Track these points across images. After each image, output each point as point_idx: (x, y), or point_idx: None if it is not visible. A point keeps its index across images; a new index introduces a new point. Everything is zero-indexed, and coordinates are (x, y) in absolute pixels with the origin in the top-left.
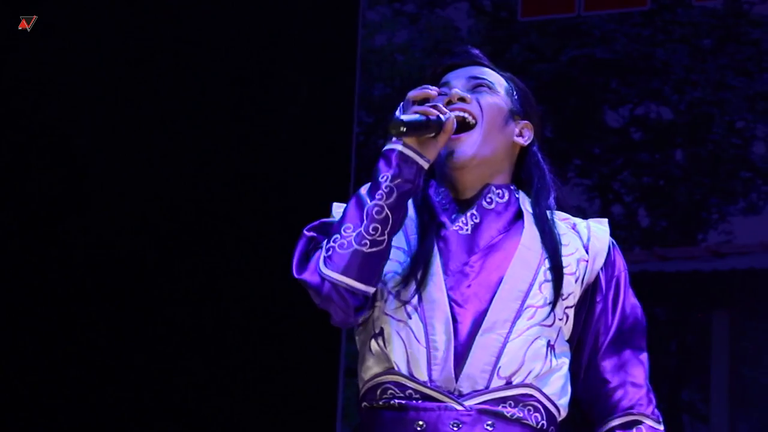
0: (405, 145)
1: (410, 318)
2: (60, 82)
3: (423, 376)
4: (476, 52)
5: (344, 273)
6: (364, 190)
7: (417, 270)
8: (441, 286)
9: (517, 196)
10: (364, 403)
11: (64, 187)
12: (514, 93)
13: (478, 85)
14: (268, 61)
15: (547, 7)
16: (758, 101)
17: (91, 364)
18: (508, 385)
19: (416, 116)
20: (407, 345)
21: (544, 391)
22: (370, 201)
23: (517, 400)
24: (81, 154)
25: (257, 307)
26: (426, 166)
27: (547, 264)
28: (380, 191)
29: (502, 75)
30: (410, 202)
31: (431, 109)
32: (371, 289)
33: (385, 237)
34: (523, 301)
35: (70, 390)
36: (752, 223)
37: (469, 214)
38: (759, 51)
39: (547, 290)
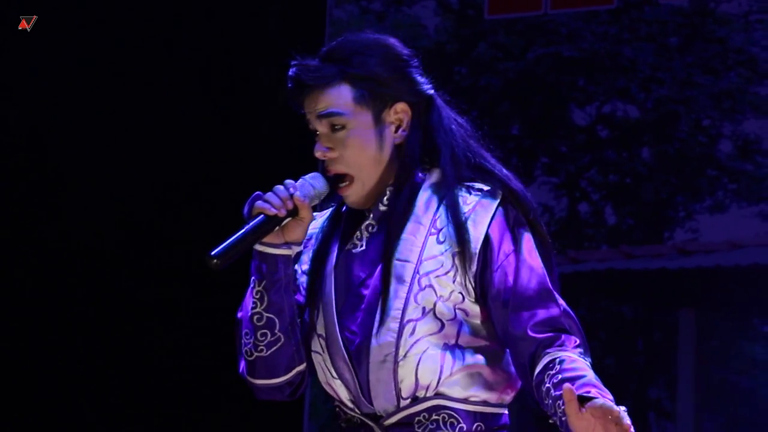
0: (261, 242)
1: (323, 352)
2: (32, 81)
3: (348, 404)
4: (305, 76)
5: (258, 378)
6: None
7: (315, 305)
8: (333, 319)
9: (420, 177)
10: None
11: (38, 187)
12: (365, 92)
13: (334, 129)
14: (233, 61)
15: (514, 5)
16: (724, 99)
17: (66, 363)
18: (416, 401)
19: (246, 227)
20: (328, 377)
21: (454, 396)
22: (249, 311)
23: (430, 413)
24: (55, 151)
25: (227, 306)
26: (290, 251)
27: (420, 271)
28: (252, 299)
29: (341, 73)
30: (323, 225)
31: (269, 207)
32: (290, 374)
33: (278, 334)
34: (402, 319)
35: (42, 389)
36: (718, 221)
37: (364, 226)
38: (725, 49)
39: (424, 298)
